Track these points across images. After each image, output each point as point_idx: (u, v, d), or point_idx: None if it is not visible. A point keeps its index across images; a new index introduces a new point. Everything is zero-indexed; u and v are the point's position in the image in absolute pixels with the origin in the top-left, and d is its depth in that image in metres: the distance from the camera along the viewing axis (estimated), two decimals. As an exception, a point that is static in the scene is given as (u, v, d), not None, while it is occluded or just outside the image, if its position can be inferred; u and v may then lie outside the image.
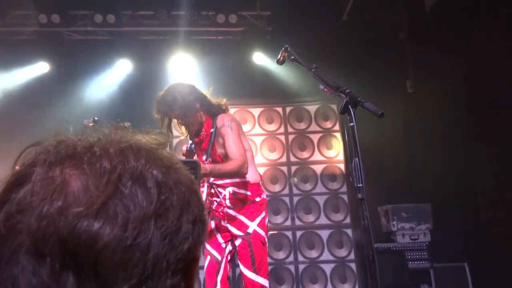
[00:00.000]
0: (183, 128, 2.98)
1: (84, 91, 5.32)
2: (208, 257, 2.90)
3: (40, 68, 5.46)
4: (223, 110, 2.95)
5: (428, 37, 5.38)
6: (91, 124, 3.95)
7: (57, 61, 5.46)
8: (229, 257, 2.92)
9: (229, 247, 2.92)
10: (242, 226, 2.86)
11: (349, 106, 1.80)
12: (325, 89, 2.03)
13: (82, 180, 0.48)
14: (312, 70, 2.12)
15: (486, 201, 5.11)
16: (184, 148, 2.57)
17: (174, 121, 2.96)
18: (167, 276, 0.48)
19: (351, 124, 1.78)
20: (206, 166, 2.68)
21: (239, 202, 2.90)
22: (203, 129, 2.92)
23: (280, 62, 2.48)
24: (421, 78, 5.49)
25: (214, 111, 2.93)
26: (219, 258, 2.88)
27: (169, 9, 5.35)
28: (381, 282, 4.45)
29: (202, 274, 3.27)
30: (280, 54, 2.42)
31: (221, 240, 2.92)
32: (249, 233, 2.83)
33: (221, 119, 2.87)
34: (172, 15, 5.42)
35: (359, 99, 1.80)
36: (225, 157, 2.86)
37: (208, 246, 2.92)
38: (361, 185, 1.71)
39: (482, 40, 4.94)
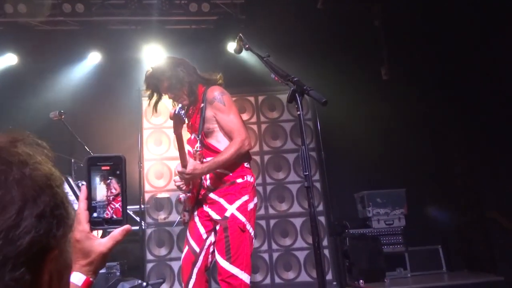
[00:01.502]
0: (176, 104, 2.83)
1: (53, 82, 5.22)
2: (186, 247, 2.75)
3: (8, 59, 5.32)
4: (214, 83, 2.83)
5: (402, 25, 5.39)
6: (57, 118, 3.90)
7: (25, 52, 5.32)
8: (211, 249, 2.70)
9: (212, 238, 2.71)
10: (220, 210, 2.64)
11: (296, 95, 1.78)
12: (276, 78, 2.02)
13: None
14: (264, 58, 2.10)
15: (458, 185, 5.20)
16: (172, 111, 2.29)
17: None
18: (5, 270, 0.49)
19: (298, 112, 1.77)
20: (203, 166, 2.57)
21: (219, 182, 2.69)
22: (196, 103, 2.78)
23: (237, 51, 2.48)
24: (396, 65, 5.51)
25: (205, 84, 2.81)
26: (197, 249, 2.69)
27: (140, -2, 5.25)
28: (357, 267, 4.54)
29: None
30: (236, 43, 2.40)
31: (202, 230, 2.72)
32: (226, 217, 2.60)
33: (210, 93, 2.73)
34: (144, 4, 5.31)
35: (305, 87, 1.79)
36: (213, 131, 2.73)
37: (188, 236, 2.77)
38: (307, 173, 1.70)
39: (455, 27, 4.97)
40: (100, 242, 0.98)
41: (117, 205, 1.04)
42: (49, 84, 5.17)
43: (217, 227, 2.66)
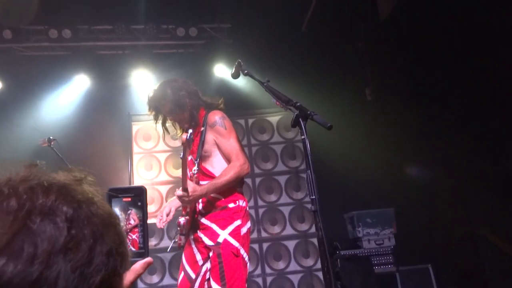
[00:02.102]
0: (177, 126, 2.87)
1: (40, 108, 5.15)
2: (182, 273, 2.69)
3: (-8, 85, 5.24)
4: (215, 107, 2.84)
5: (384, 46, 5.55)
6: (45, 144, 3.82)
7: (10, 78, 5.25)
8: (207, 275, 2.63)
9: (208, 265, 2.65)
10: (213, 235, 2.61)
11: (300, 120, 1.81)
12: (277, 103, 2.04)
13: None
14: (265, 83, 2.13)
15: (446, 203, 5.29)
16: (184, 137, 2.33)
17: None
18: None
19: (302, 137, 1.80)
20: (202, 189, 2.55)
21: (211, 207, 2.67)
22: (197, 126, 2.78)
23: (234, 76, 2.49)
24: (380, 85, 5.64)
25: (206, 108, 2.82)
26: (193, 276, 2.65)
27: (128, 23, 5.27)
28: (349, 289, 4.52)
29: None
30: (234, 68, 2.43)
31: (198, 257, 2.68)
32: (219, 243, 2.56)
33: (211, 117, 2.74)
34: (131, 29, 5.34)
35: (309, 112, 1.82)
36: (209, 155, 2.74)
37: (184, 261, 2.73)
38: (314, 197, 1.71)
39: (434, 47, 5.15)
40: None
41: (134, 236, 1.03)
42: (36, 110, 5.10)
43: (211, 254, 2.62)
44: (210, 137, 2.74)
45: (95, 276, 0.52)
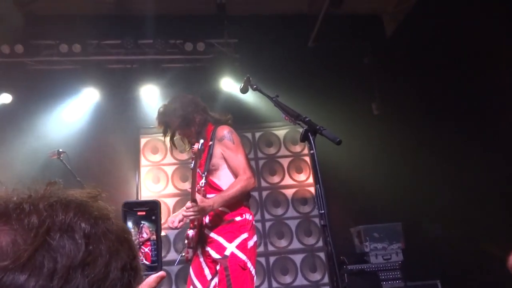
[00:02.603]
0: (186, 141, 2.93)
1: (50, 121, 5.20)
2: (190, 287, 2.70)
3: (3, 99, 5.31)
4: (224, 122, 2.91)
5: (390, 61, 5.59)
6: (55, 156, 3.87)
7: (21, 91, 5.33)
8: None
9: (216, 280, 2.65)
10: (220, 249, 2.62)
11: (309, 134, 1.83)
12: (286, 118, 2.07)
13: (11, 235, 0.51)
14: (274, 98, 2.16)
15: (454, 218, 5.24)
16: (196, 147, 2.41)
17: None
18: None
19: (312, 151, 1.81)
20: (209, 201, 2.58)
21: (218, 220, 2.70)
22: (205, 140, 2.81)
23: (243, 91, 2.52)
24: (386, 100, 5.66)
25: (214, 123, 2.89)
26: None
27: (136, 38, 5.37)
28: (357, 304, 4.46)
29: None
30: (243, 83, 2.46)
31: (207, 271, 2.69)
32: (226, 256, 2.58)
33: (220, 132, 2.81)
34: (139, 43, 5.43)
35: (318, 127, 1.84)
36: (217, 169, 2.78)
37: (192, 274, 2.74)
38: (323, 211, 1.72)
39: (440, 62, 5.18)
40: None
41: (146, 249, 1.04)
42: (46, 123, 5.15)
43: (218, 267, 2.62)
44: (218, 151, 2.79)
45: None
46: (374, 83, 5.95)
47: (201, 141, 2.48)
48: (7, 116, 5.22)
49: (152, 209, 1.05)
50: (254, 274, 2.63)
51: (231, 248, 2.60)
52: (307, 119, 1.92)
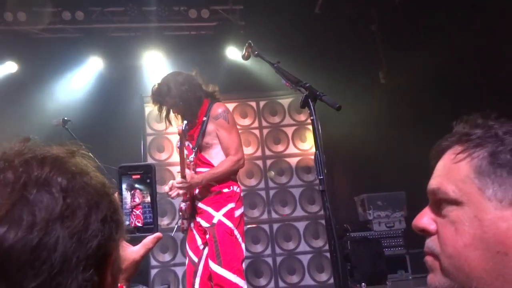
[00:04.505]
0: (180, 118, 3.00)
1: (54, 90, 5.22)
2: (187, 259, 2.87)
3: (8, 67, 5.32)
4: (217, 99, 2.96)
5: (398, 29, 5.46)
6: (60, 124, 3.90)
7: (25, 60, 5.33)
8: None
9: (207, 248, 2.81)
10: (208, 218, 2.78)
11: (309, 100, 1.82)
12: (287, 84, 2.05)
13: None
14: (275, 65, 2.14)
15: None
16: (180, 128, 2.54)
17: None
18: (78, 271, 0.53)
19: (311, 117, 1.81)
20: (198, 178, 2.72)
21: (206, 192, 2.84)
22: (197, 117, 2.90)
23: (245, 58, 2.52)
24: (394, 68, 5.58)
25: (210, 99, 2.94)
26: (196, 259, 2.82)
27: (140, 5, 5.27)
28: (359, 270, 4.56)
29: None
30: (244, 49, 2.44)
31: (199, 242, 2.84)
32: (214, 224, 2.74)
33: (216, 109, 2.86)
34: (143, 11, 5.34)
35: (317, 93, 1.83)
36: (209, 147, 2.87)
37: (187, 247, 2.90)
38: (321, 177, 1.74)
39: (450, 31, 5.05)
40: (132, 250, 1.00)
41: (137, 212, 1.06)
42: (50, 91, 5.17)
43: (207, 236, 2.77)
44: (212, 128, 2.86)
45: (92, 241, 0.55)
46: (381, 51, 5.84)
47: (185, 122, 2.58)
48: (12, 84, 5.24)
49: (146, 172, 1.07)
50: (241, 242, 2.76)
51: (218, 216, 2.75)
52: (307, 85, 1.91)
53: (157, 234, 1.04)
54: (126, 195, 1.06)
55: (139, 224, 1.05)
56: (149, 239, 1.02)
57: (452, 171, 0.72)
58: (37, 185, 0.54)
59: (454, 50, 5.05)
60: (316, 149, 1.80)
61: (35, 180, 0.54)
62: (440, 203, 0.73)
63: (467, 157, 0.70)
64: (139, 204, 1.05)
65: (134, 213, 1.05)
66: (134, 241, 1.05)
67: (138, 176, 1.06)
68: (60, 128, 3.89)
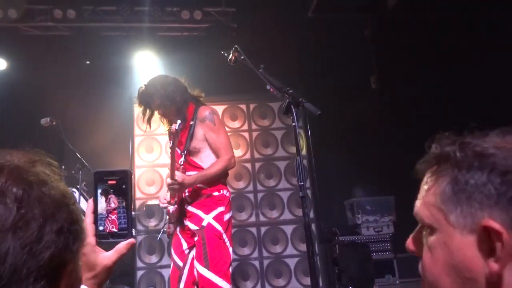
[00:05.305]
0: (165, 121, 3.02)
1: (44, 88, 5.17)
2: (172, 263, 2.87)
3: (-2, 64, 5.28)
4: (202, 103, 2.98)
5: (391, 34, 5.48)
6: (48, 124, 3.88)
7: (15, 57, 5.30)
8: (194, 262, 2.78)
9: (193, 252, 2.81)
10: (197, 221, 2.77)
11: (291, 106, 1.82)
12: (271, 89, 2.06)
13: None
14: (260, 70, 2.14)
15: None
16: (174, 127, 2.54)
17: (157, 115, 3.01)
18: (28, 282, 0.53)
19: (293, 124, 1.81)
20: (190, 178, 2.72)
21: (196, 195, 2.84)
22: (185, 120, 2.89)
23: (232, 62, 2.53)
24: (385, 74, 5.60)
25: (195, 103, 2.95)
26: (181, 264, 2.80)
27: (132, 5, 5.26)
28: (347, 274, 4.57)
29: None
30: (231, 54, 2.45)
31: (185, 246, 2.83)
32: (203, 226, 2.73)
33: (202, 112, 2.87)
34: (136, 10, 5.32)
35: (300, 99, 1.83)
36: (198, 151, 2.87)
37: (172, 252, 2.89)
38: (302, 183, 1.74)
39: (442, 35, 5.08)
40: (105, 255, 1.00)
41: (113, 217, 1.06)
42: (38, 90, 5.11)
43: (196, 238, 2.76)
44: (199, 132, 2.87)
45: (44, 252, 0.55)
46: (373, 56, 5.86)
47: (178, 121, 2.57)
48: (1, 82, 5.19)
49: (122, 178, 1.07)
50: (229, 246, 2.76)
51: (208, 219, 2.75)
52: (291, 91, 1.92)
53: (131, 240, 1.04)
54: (101, 200, 1.06)
55: (114, 230, 1.05)
56: (122, 245, 1.02)
57: (426, 196, 0.72)
58: None
59: (449, 55, 5.08)
60: (297, 155, 1.81)
61: None
62: (422, 226, 0.74)
63: (435, 183, 0.70)
64: (114, 209, 1.05)
65: (109, 218, 1.05)
66: (108, 246, 1.05)
67: (114, 182, 1.06)
68: (49, 127, 3.87)
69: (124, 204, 1.06)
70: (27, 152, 0.64)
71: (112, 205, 1.06)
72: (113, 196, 1.06)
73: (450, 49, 5.02)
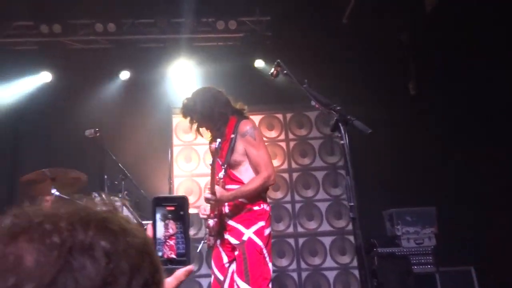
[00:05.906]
0: (207, 133, 3.03)
1: (85, 100, 5.35)
2: (212, 276, 2.87)
3: (43, 77, 5.50)
4: (245, 116, 2.97)
5: (429, 39, 5.34)
6: (92, 135, 3.98)
7: (59, 70, 5.51)
8: (235, 276, 2.77)
9: (234, 266, 2.80)
10: (238, 235, 2.77)
11: (340, 124, 1.78)
12: (317, 105, 2.02)
13: (34, 255, 0.52)
14: (304, 86, 2.11)
15: (491, 204, 5.06)
16: (213, 146, 2.59)
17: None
18: None
19: (342, 142, 1.77)
20: (228, 193, 2.73)
21: (237, 209, 2.83)
22: (224, 135, 2.91)
23: (274, 76, 2.51)
24: (424, 80, 5.44)
25: (237, 116, 2.94)
26: (221, 278, 2.80)
27: (169, 17, 5.38)
28: (387, 287, 4.44)
29: None
30: (273, 68, 2.43)
31: (225, 259, 2.84)
32: (244, 241, 2.72)
33: (243, 126, 2.86)
34: (172, 22, 5.43)
35: (348, 117, 1.79)
36: (238, 164, 2.87)
37: (212, 265, 2.90)
38: (352, 204, 1.69)
39: (482, 40, 4.90)
40: (165, 281, 1.00)
41: (171, 242, 1.06)
42: (82, 101, 5.30)
43: (236, 253, 2.76)
44: (240, 146, 2.86)
45: None
46: (411, 62, 5.71)
47: (218, 140, 2.58)
48: (46, 94, 5.41)
49: (180, 204, 1.07)
50: (269, 262, 2.75)
51: (248, 233, 2.74)
52: (338, 108, 1.87)
53: (190, 266, 1.04)
54: (159, 225, 1.07)
55: (173, 256, 1.05)
56: (181, 272, 1.02)
57: None
58: (81, 250, 0.53)
59: (490, 60, 4.89)
60: (346, 175, 1.76)
61: (80, 244, 0.54)
62: None
63: None
64: (172, 235, 1.06)
65: (167, 244, 1.06)
66: (167, 273, 1.05)
67: (172, 208, 1.07)
68: (92, 139, 3.98)
69: (182, 229, 1.07)
70: (105, 200, 0.65)
71: (170, 231, 1.06)
72: (171, 221, 1.06)
73: (491, 53, 4.84)
